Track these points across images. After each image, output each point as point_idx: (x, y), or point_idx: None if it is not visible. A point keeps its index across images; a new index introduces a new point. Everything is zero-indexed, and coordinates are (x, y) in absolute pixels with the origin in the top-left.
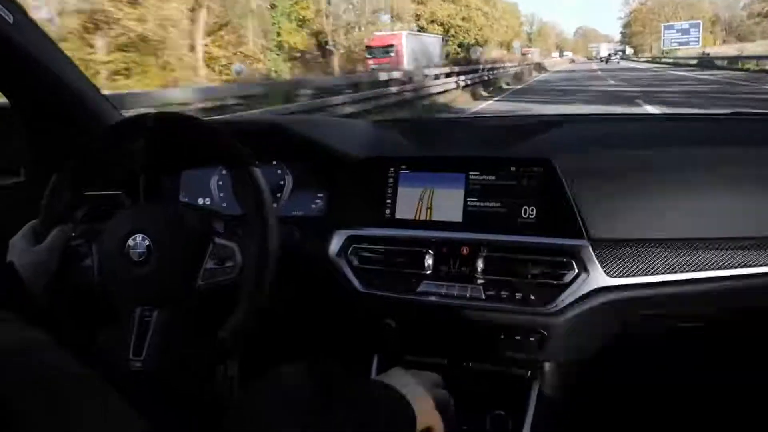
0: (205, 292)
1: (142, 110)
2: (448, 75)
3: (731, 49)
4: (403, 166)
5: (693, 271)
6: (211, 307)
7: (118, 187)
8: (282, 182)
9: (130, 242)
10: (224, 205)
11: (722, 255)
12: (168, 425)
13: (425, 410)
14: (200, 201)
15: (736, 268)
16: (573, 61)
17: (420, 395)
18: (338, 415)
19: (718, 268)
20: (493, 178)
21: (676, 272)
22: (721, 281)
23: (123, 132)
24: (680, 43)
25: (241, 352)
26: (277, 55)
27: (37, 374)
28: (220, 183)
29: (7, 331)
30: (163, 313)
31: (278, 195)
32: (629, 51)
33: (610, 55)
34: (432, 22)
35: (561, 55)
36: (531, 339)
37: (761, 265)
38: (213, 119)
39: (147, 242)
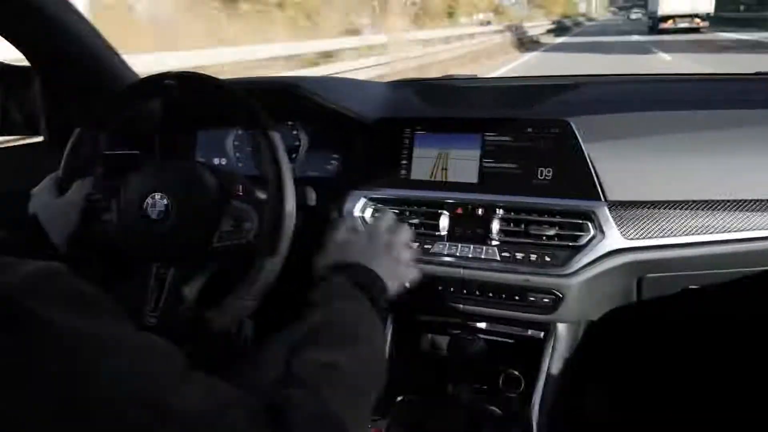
0: (222, 252)
1: None
2: None
3: None
4: (419, 127)
5: (711, 233)
6: (226, 267)
7: (136, 146)
8: (297, 143)
9: (149, 200)
10: (240, 165)
11: (741, 217)
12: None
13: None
14: (216, 161)
15: (755, 230)
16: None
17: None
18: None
19: (737, 231)
20: (509, 139)
21: (693, 234)
22: (739, 243)
23: (141, 91)
24: None
25: (256, 312)
26: None
27: None
28: (237, 143)
29: None
30: (179, 271)
31: (293, 155)
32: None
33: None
34: None
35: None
36: (545, 300)
37: None
38: (229, 79)
39: (165, 201)
